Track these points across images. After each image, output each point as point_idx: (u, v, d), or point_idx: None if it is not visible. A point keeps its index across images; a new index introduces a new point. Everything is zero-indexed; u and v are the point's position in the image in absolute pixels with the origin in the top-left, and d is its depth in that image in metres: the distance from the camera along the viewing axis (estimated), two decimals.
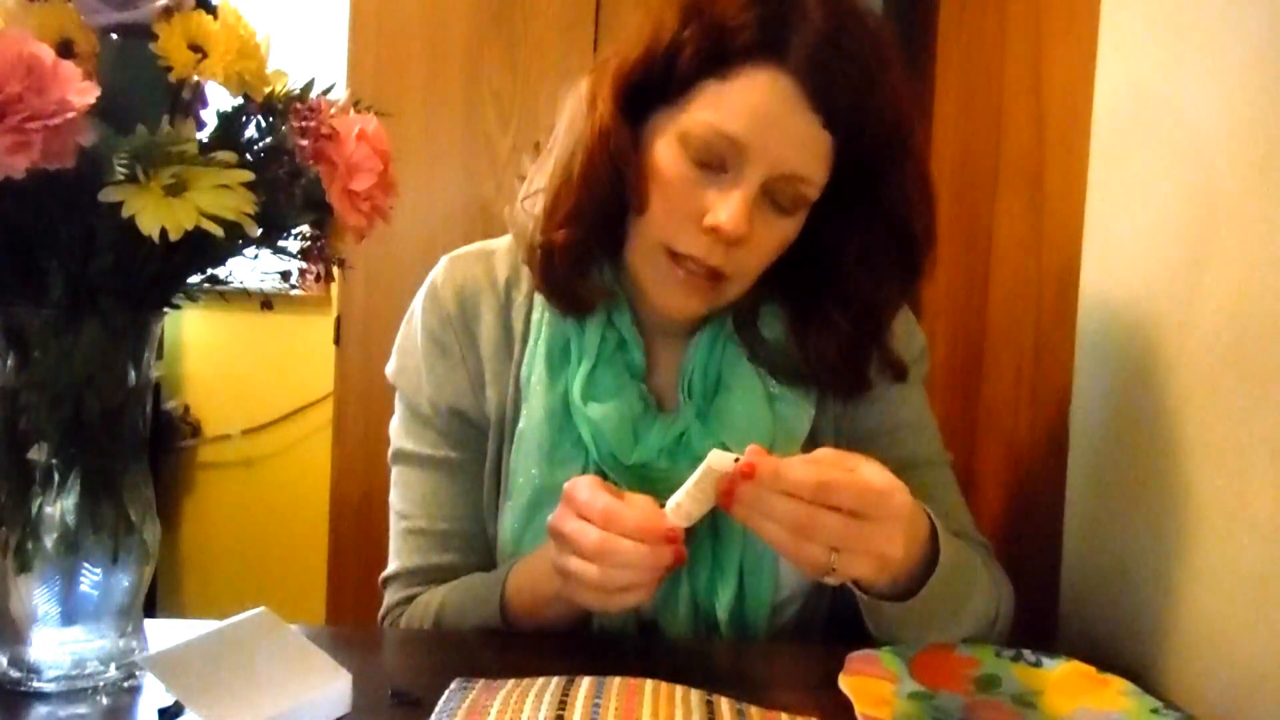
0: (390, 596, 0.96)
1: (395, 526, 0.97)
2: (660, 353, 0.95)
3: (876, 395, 0.96)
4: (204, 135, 0.69)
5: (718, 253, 0.83)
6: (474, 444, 0.95)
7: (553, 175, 0.89)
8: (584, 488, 0.76)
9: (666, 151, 0.83)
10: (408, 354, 0.97)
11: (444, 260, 0.99)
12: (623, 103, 0.85)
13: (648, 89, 0.84)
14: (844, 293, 0.90)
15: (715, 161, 0.81)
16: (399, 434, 0.98)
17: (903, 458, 0.93)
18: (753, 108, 0.79)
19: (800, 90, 0.79)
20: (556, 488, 0.88)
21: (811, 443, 0.93)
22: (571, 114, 0.89)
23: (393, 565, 0.97)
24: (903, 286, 0.92)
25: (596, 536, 0.73)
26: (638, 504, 0.76)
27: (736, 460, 0.71)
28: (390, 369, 0.99)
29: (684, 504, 0.74)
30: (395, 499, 0.98)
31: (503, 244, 0.99)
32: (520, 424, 0.92)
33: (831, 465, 0.71)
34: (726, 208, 0.80)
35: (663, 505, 0.76)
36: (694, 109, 0.81)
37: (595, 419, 0.89)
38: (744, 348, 0.93)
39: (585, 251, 0.89)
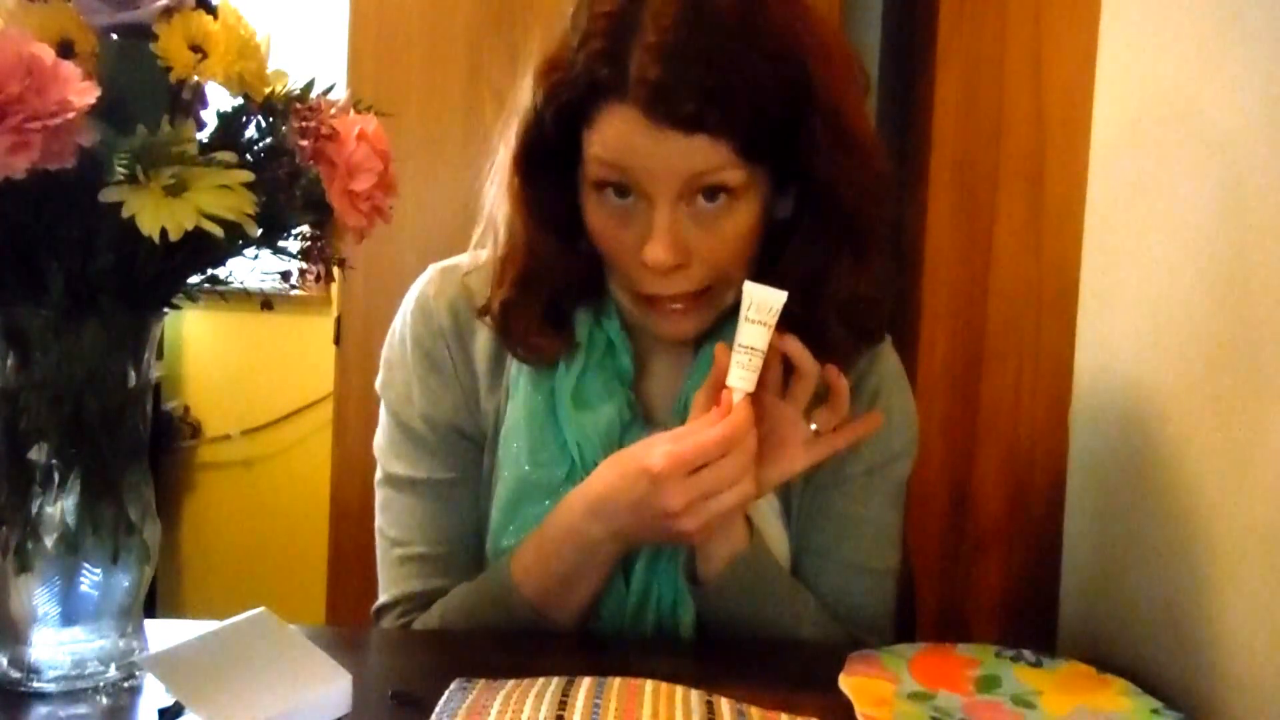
0: (387, 625, 0.92)
1: (387, 554, 0.93)
2: (654, 360, 0.93)
3: (847, 477, 0.92)
4: (204, 135, 0.69)
5: (674, 281, 0.81)
6: (469, 459, 0.92)
7: (500, 241, 0.89)
8: (661, 456, 0.77)
9: (588, 204, 0.82)
10: (395, 368, 0.93)
11: (433, 271, 0.96)
12: (530, 176, 0.85)
13: (547, 157, 0.83)
14: (786, 274, 0.83)
15: (625, 192, 0.80)
16: (388, 456, 0.93)
17: (840, 546, 0.92)
18: (618, 142, 0.77)
19: (647, 116, 0.75)
20: (540, 484, 0.87)
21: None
22: (500, 181, 0.88)
23: (388, 594, 0.93)
24: (857, 267, 0.84)
25: (733, 461, 0.76)
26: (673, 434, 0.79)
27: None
28: (379, 383, 0.95)
29: (742, 374, 0.78)
30: (386, 525, 0.93)
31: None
32: (505, 423, 0.91)
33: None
34: (650, 245, 0.78)
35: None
36: (585, 157, 0.80)
37: (581, 425, 0.87)
38: None
39: (539, 311, 0.88)
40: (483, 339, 0.93)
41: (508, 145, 0.86)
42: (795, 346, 0.81)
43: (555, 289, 0.88)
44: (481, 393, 0.92)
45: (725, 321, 0.88)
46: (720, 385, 0.79)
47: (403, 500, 0.93)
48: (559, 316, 0.89)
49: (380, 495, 0.95)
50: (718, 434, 0.76)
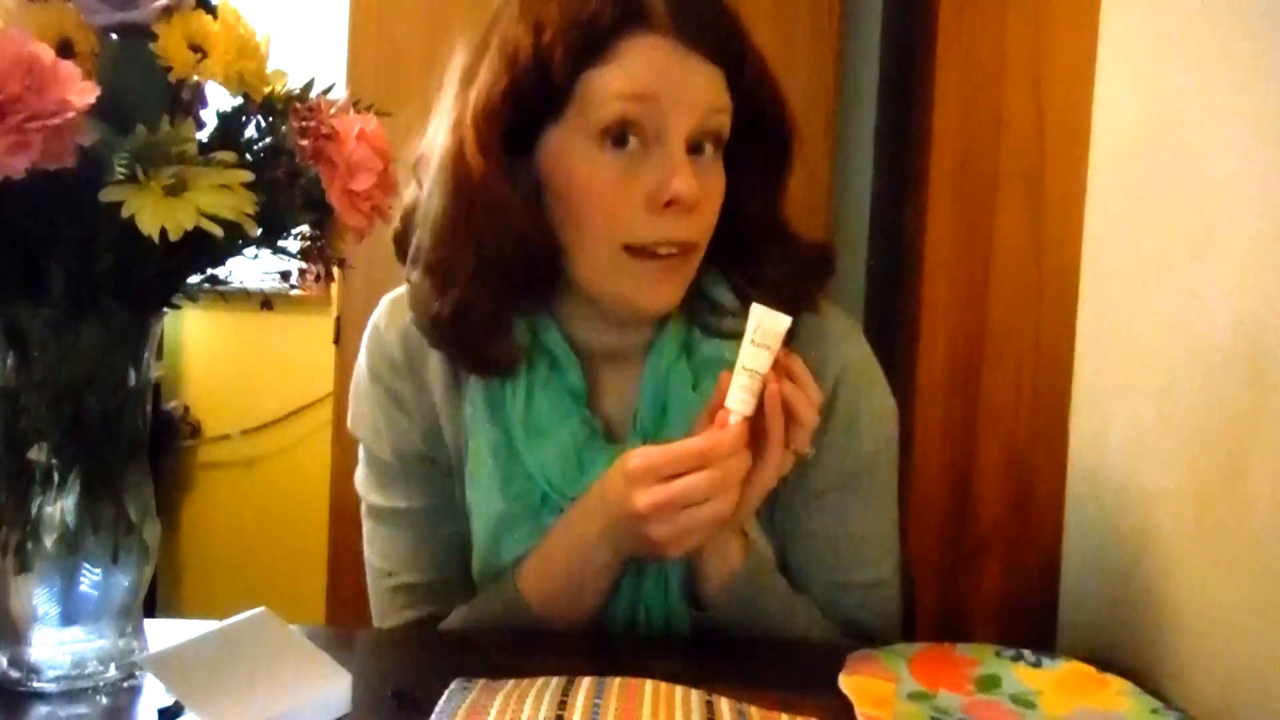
0: None
1: (378, 584, 0.93)
2: (604, 377, 0.90)
3: (818, 493, 0.90)
4: (204, 135, 0.69)
5: (682, 225, 0.81)
6: (444, 485, 0.92)
7: (441, 236, 0.84)
8: (639, 456, 0.77)
9: (584, 156, 0.80)
10: (361, 402, 0.93)
11: (384, 302, 0.94)
12: (501, 140, 0.81)
13: (523, 115, 0.82)
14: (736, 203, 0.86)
15: (638, 134, 0.79)
16: (367, 488, 0.94)
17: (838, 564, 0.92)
18: (648, 69, 0.79)
19: (677, 41, 0.79)
20: (518, 514, 0.87)
21: None
22: (441, 165, 0.84)
23: (383, 625, 0.93)
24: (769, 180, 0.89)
25: (709, 476, 0.74)
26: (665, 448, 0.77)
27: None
28: (349, 419, 0.95)
29: (742, 397, 0.76)
30: (374, 556, 0.94)
31: None
32: (469, 461, 0.89)
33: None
34: (677, 177, 0.78)
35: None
36: (589, 103, 0.79)
37: (538, 453, 0.86)
38: (692, 375, 0.88)
39: (499, 310, 0.85)
40: (435, 368, 0.91)
41: (466, 122, 0.82)
42: (799, 366, 0.79)
43: (511, 281, 0.84)
44: (442, 421, 0.91)
45: (666, 333, 0.88)
46: (719, 407, 0.78)
47: (385, 531, 0.93)
48: (503, 326, 0.86)
49: (365, 527, 0.95)
50: (697, 446, 0.75)
